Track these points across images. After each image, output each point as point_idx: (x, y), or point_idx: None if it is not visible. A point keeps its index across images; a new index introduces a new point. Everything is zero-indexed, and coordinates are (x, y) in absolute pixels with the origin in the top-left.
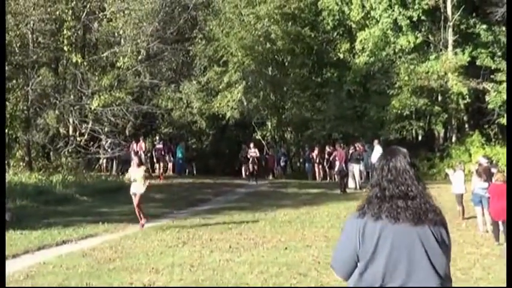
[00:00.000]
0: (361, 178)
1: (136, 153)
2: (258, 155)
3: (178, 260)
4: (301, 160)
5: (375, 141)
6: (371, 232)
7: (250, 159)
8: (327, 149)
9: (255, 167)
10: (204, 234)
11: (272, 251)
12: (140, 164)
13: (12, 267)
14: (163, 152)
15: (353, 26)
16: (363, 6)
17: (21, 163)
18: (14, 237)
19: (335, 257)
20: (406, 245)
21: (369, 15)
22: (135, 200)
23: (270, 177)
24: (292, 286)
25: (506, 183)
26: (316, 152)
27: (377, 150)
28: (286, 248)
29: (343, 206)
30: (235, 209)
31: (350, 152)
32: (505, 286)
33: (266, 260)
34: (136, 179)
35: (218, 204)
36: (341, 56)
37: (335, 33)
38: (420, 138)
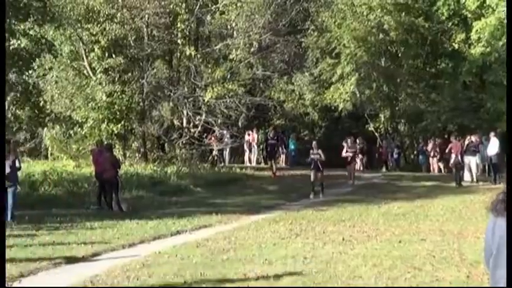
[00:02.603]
0: (477, 171)
1: (249, 144)
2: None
3: (291, 252)
4: (415, 152)
5: (492, 133)
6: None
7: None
8: (437, 140)
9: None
10: (317, 226)
11: (386, 244)
12: None
13: (129, 256)
14: (275, 148)
15: (469, 15)
16: None
17: (136, 154)
18: (130, 227)
19: None
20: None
21: (485, 4)
22: None
23: (384, 169)
24: (407, 280)
25: (507, 183)
26: (430, 144)
27: (494, 143)
28: (400, 241)
29: (458, 200)
30: (348, 201)
31: (466, 144)
32: (505, 286)
33: (380, 253)
34: None
35: (331, 197)
36: (456, 46)
37: (450, 23)
38: None
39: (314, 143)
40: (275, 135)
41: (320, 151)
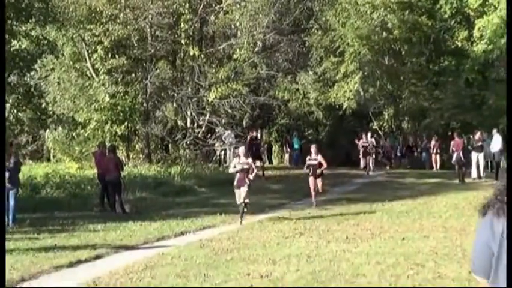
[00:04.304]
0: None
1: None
2: (375, 144)
3: (295, 251)
4: (418, 150)
5: (494, 130)
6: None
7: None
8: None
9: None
10: (321, 225)
11: (389, 242)
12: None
13: (131, 258)
14: (259, 149)
15: (471, 13)
16: None
17: (140, 155)
18: (133, 229)
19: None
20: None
21: (487, 2)
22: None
23: (387, 167)
24: (410, 277)
25: (506, 184)
26: (434, 141)
27: (496, 139)
28: (403, 239)
29: (461, 196)
30: (352, 199)
31: (474, 140)
32: (505, 286)
33: (383, 251)
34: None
35: (335, 195)
36: (459, 44)
37: (453, 21)
38: None
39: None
40: (257, 136)
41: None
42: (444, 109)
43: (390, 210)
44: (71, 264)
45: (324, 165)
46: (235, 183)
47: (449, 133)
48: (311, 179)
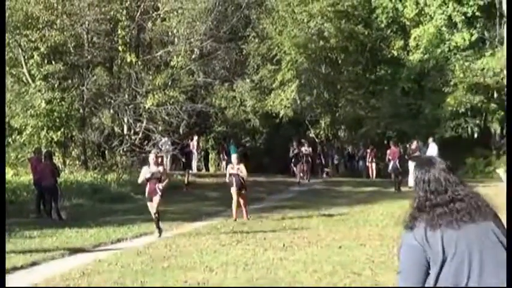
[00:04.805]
0: None
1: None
2: (311, 152)
3: (231, 259)
4: (356, 158)
5: (430, 139)
6: (435, 241)
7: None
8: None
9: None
10: (258, 233)
11: (326, 250)
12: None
13: (68, 265)
14: (190, 157)
15: (407, 23)
16: (417, 3)
17: (76, 162)
18: (70, 235)
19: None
20: (470, 246)
21: (423, 12)
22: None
23: (324, 175)
24: (347, 285)
25: (506, 184)
26: (369, 150)
27: (432, 148)
28: (340, 247)
29: (397, 205)
30: (288, 207)
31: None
32: (505, 286)
33: (320, 259)
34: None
35: (272, 203)
36: (395, 53)
37: (389, 31)
38: (476, 135)
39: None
40: (188, 144)
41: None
42: (381, 118)
43: (327, 218)
44: (7, 271)
45: (244, 174)
46: (146, 194)
47: (386, 142)
48: (234, 191)
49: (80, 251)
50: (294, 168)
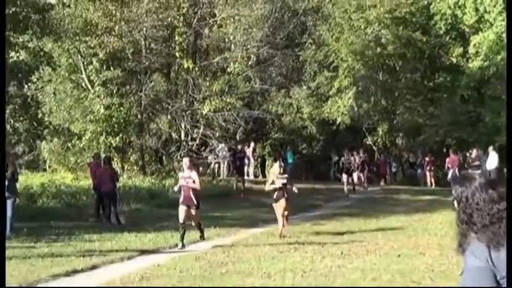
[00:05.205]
0: None
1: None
2: (368, 160)
3: (289, 266)
4: (414, 167)
5: (490, 148)
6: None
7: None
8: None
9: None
10: (316, 240)
11: (384, 258)
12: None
13: (127, 268)
14: (243, 162)
15: (466, 29)
16: (477, 10)
17: (134, 167)
18: (129, 240)
19: None
20: None
21: (483, 19)
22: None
23: (382, 183)
24: None
25: (506, 184)
26: (428, 158)
27: (492, 157)
28: (399, 255)
29: None
30: (346, 215)
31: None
32: (505, 286)
33: (378, 267)
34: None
35: (329, 210)
36: (454, 60)
37: (448, 37)
38: None
39: (185, 160)
40: (242, 149)
41: (193, 173)
42: (440, 125)
43: (385, 226)
44: (67, 274)
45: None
46: (180, 199)
47: (445, 150)
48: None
49: (139, 254)
50: (341, 177)
